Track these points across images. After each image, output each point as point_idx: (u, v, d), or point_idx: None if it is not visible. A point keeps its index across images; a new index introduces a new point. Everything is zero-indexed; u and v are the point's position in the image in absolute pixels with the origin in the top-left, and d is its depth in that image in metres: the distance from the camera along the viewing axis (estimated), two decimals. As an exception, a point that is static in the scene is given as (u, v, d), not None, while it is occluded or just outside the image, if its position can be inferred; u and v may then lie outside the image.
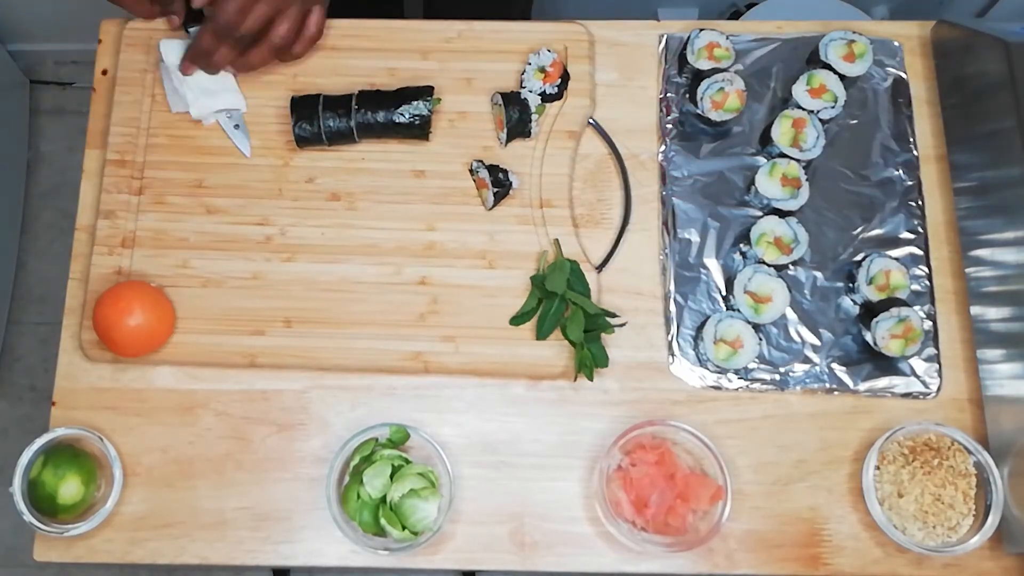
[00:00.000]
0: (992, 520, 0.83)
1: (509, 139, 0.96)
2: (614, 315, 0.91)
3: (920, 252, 0.94)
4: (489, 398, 0.90)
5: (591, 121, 0.98)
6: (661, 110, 0.99)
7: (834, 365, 0.91)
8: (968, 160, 0.94)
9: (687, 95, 0.98)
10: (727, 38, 0.97)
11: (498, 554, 0.87)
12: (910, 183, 0.96)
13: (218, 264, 0.94)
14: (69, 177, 1.94)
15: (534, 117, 0.94)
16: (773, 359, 0.91)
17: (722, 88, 0.94)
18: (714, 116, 0.94)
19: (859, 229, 0.95)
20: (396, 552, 0.84)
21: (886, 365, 0.91)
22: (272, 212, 0.95)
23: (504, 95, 0.95)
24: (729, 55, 0.96)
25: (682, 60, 0.98)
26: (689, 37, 0.97)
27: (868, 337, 0.89)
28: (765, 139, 0.96)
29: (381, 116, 0.93)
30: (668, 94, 0.99)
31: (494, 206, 0.94)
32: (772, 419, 0.90)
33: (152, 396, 0.90)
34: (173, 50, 0.97)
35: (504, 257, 0.94)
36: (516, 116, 0.94)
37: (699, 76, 0.96)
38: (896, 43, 1.01)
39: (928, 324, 0.92)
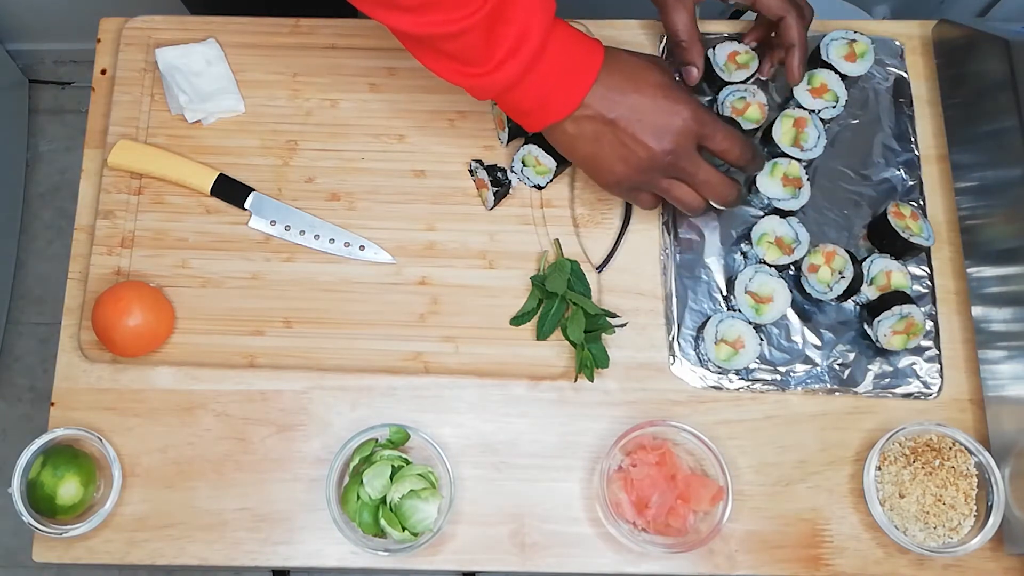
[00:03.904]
0: (993, 521, 0.83)
1: (510, 138, 0.96)
2: (615, 315, 0.91)
3: (922, 252, 0.94)
4: (489, 398, 0.90)
5: (591, 121, 0.98)
6: (662, 110, 0.98)
7: (835, 365, 0.91)
8: (970, 160, 0.94)
9: (711, 103, 0.98)
10: (738, 42, 0.97)
11: (498, 555, 0.87)
12: (911, 183, 0.96)
13: (217, 264, 0.93)
14: (68, 177, 1.94)
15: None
16: (774, 359, 0.91)
17: (743, 97, 0.94)
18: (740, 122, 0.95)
19: (860, 229, 0.95)
20: (396, 553, 0.84)
21: (887, 365, 0.91)
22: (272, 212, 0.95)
23: None
24: (752, 56, 0.96)
25: (709, 75, 0.97)
26: (707, 55, 0.96)
27: (870, 333, 0.89)
28: (766, 139, 0.96)
29: None
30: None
31: (494, 206, 0.94)
32: (773, 420, 0.90)
33: (151, 396, 0.90)
34: (169, 56, 0.97)
35: (504, 257, 0.93)
36: None
37: (714, 79, 0.96)
38: (897, 42, 1.01)
39: (929, 324, 0.91)
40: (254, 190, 0.94)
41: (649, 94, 0.81)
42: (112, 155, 0.94)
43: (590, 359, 0.89)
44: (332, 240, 0.93)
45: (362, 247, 0.93)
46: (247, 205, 0.94)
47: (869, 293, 0.91)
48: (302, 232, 0.93)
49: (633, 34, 1.01)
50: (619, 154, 0.82)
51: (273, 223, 0.94)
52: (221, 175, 0.94)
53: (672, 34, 0.90)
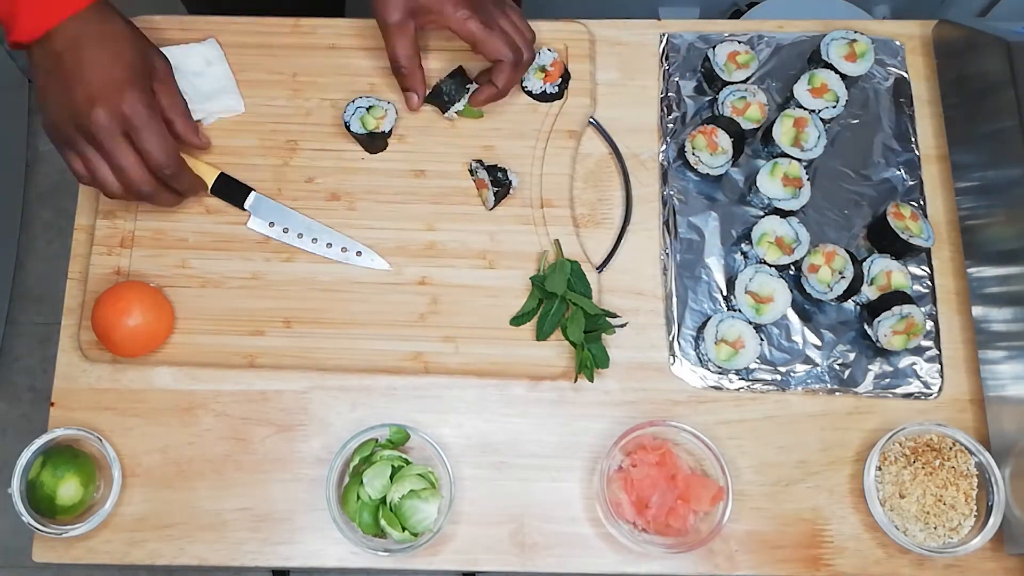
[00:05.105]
0: (993, 521, 0.83)
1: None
2: (615, 315, 0.91)
3: (922, 252, 0.94)
4: (489, 399, 0.90)
5: (592, 121, 0.98)
6: (662, 109, 0.98)
7: (835, 365, 0.91)
8: (970, 160, 0.94)
9: (711, 103, 0.98)
10: (740, 43, 0.97)
11: (498, 555, 0.87)
12: (912, 183, 0.96)
13: (217, 264, 0.93)
14: (68, 177, 1.93)
15: (456, 97, 0.95)
16: (774, 359, 0.91)
17: (743, 97, 0.94)
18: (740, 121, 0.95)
19: (860, 229, 0.95)
20: (396, 553, 0.84)
21: (888, 365, 0.91)
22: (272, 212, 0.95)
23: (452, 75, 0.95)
24: (752, 56, 0.96)
25: (709, 75, 0.98)
26: (707, 55, 0.97)
27: (870, 333, 0.89)
28: (766, 138, 0.96)
29: None
30: (669, 93, 0.99)
31: (495, 206, 0.94)
32: (773, 420, 0.90)
33: (151, 397, 0.90)
34: (169, 56, 0.96)
35: (504, 257, 0.93)
36: (452, 87, 0.95)
37: (714, 79, 0.96)
38: (898, 43, 1.01)
39: (930, 324, 0.91)
40: (253, 190, 0.94)
41: (109, 62, 0.82)
42: None
43: (590, 359, 0.89)
44: (329, 244, 0.93)
45: (359, 252, 0.93)
46: (246, 205, 0.94)
47: (869, 293, 0.91)
48: (300, 235, 0.93)
49: (633, 34, 1.01)
50: (60, 99, 0.82)
51: (272, 224, 0.94)
52: (222, 174, 0.94)
53: (392, 60, 0.92)
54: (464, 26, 0.87)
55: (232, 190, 0.94)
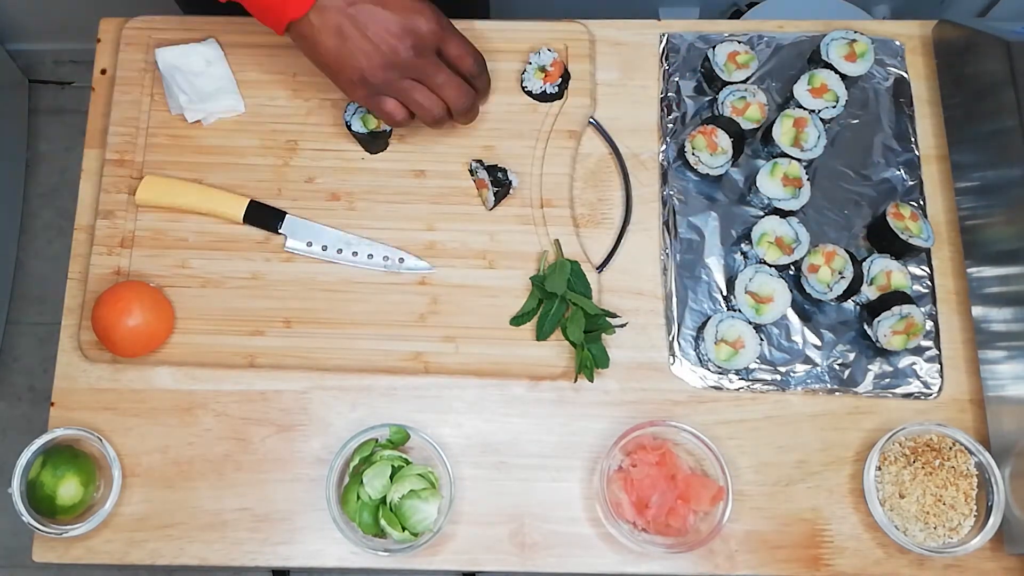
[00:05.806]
0: (993, 521, 0.83)
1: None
2: (615, 315, 0.91)
3: (922, 252, 0.94)
4: (489, 399, 0.90)
5: (592, 121, 0.98)
6: (662, 110, 0.98)
7: (835, 365, 0.91)
8: (970, 160, 0.94)
9: (711, 103, 0.98)
10: (739, 43, 0.97)
11: (498, 555, 0.87)
12: (912, 183, 0.96)
13: (217, 264, 0.93)
14: (68, 177, 1.94)
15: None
16: (774, 359, 0.91)
17: (743, 97, 0.95)
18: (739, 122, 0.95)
19: (860, 229, 0.95)
20: (396, 553, 0.84)
21: (887, 365, 0.91)
22: (272, 212, 0.95)
23: None
24: (752, 56, 0.96)
25: (709, 75, 0.98)
26: (707, 55, 0.97)
27: (870, 333, 0.89)
28: (766, 138, 0.96)
29: None
30: (669, 93, 0.99)
31: (495, 206, 0.94)
32: (773, 420, 0.90)
33: (151, 397, 0.90)
34: (169, 56, 0.97)
35: (504, 257, 0.93)
36: None
37: (714, 79, 0.97)
38: (897, 43, 1.01)
39: (929, 324, 0.91)
40: (287, 213, 0.94)
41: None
42: (139, 192, 0.94)
43: (590, 359, 0.89)
44: (370, 255, 0.92)
45: (401, 259, 0.92)
46: (281, 230, 0.93)
47: (869, 293, 0.91)
48: (339, 251, 0.93)
49: (633, 34, 1.01)
50: (362, 49, 0.82)
51: (309, 244, 0.93)
52: (252, 201, 0.93)
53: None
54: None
55: (265, 216, 0.93)
